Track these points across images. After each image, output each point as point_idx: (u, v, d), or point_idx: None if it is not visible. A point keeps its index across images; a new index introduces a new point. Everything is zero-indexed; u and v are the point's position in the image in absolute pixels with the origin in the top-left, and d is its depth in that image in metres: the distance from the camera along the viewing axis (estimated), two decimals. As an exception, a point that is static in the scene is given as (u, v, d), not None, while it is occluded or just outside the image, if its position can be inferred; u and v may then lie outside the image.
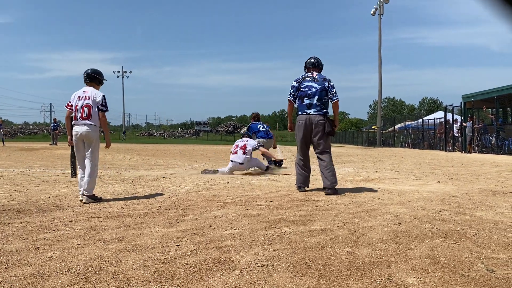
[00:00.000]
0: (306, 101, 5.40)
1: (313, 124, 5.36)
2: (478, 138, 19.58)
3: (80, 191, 4.71)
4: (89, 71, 5.04)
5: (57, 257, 2.53)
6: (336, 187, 5.23)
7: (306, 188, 5.49)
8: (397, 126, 34.98)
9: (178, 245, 2.78)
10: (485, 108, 19.62)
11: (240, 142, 8.15)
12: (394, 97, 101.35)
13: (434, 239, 2.95)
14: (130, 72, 71.86)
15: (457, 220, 3.57)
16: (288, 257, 2.53)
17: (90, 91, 4.91)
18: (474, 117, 20.33)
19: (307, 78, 5.47)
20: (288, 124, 5.80)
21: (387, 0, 35.44)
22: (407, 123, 32.53)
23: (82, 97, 4.87)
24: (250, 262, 2.42)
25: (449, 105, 23.05)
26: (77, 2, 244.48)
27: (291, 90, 5.52)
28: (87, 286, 2.08)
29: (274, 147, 10.06)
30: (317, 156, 5.46)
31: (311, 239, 2.94)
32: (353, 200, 4.65)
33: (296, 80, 5.52)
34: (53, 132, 27.20)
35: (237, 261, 2.44)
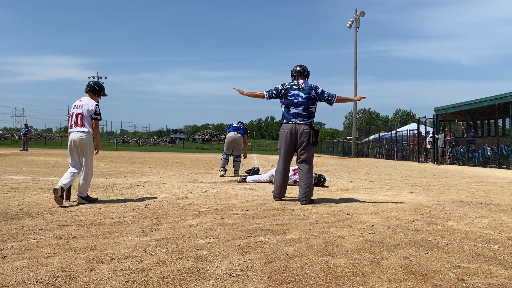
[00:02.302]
0: (292, 109, 5.37)
1: (298, 133, 5.34)
2: (450, 150, 20.09)
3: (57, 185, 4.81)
4: (91, 82, 5.51)
5: (25, 267, 2.45)
6: (311, 197, 5.26)
7: (283, 198, 5.50)
8: (371, 137, 35.59)
9: (151, 255, 2.74)
10: (456, 121, 20.17)
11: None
12: (369, 109, 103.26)
13: (407, 248, 2.99)
14: (106, 78, 70.54)
15: (429, 230, 3.64)
16: (263, 266, 2.52)
17: (85, 100, 5.28)
18: (446, 129, 20.86)
19: (294, 87, 5.44)
20: (242, 92, 5.65)
21: (363, 14, 36.20)
22: (381, 134, 33.13)
23: (77, 106, 5.26)
24: (225, 272, 2.40)
25: (422, 117, 23.63)
26: (50, 5, 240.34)
27: (273, 90, 5.50)
28: (56, 296, 2.02)
29: (244, 156, 10.01)
30: (297, 166, 5.47)
31: (287, 249, 2.93)
32: (328, 210, 4.68)
33: (282, 85, 5.49)
34: (23, 137, 26.47)
35: (212, 271, 2.42)
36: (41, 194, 5.69)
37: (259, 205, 4.95)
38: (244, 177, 8.18)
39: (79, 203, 4.93)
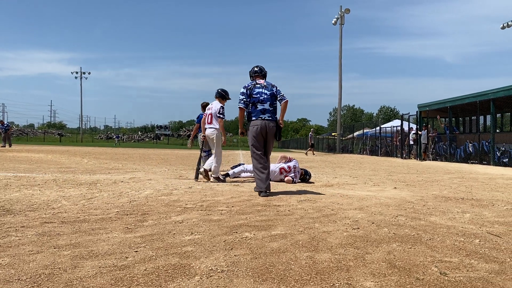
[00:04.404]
0: (259, 106, 5.71)
1: (268, 130, 5.68)
2: (432, 146, 20.37)
3: (201, 172, 7.16)
4: (219, 89, 7.32)
5: (6, 264, 2.41)
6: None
7: (268, 192, 5.54)
8: (356, 133, 35.85)
9: (136, 251, 2.72)
10: (439, 117, 20.44)
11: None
12: (353, 105, 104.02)
13: (391, 243, 3.03)
14: (89, 73, 69.75)
15: (413, 225, 3.68)
16: (249, 262, 2.52)
17: (214, 104, 7.26)
18: (429, 125, 21.13)
19: (257, 85, 5.81)
20: (240, 130, 6.03)
21: (348, 11, 36.38)
22: (365, 130, 33.39)
23: (209, 108, 7.29)
24: (210, 268, 2.39)
25: (405, 114, 23.87)
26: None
27: (243, 97, 5.76)
28: (39, 294, 1.99)
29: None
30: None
31: (272, 244, 2.94)
32: (313, 205, 4.70)
33: (246, 87, 5.78)
34: (4, 134, 25.97)
35: (197, 267, 2.41)
36: (23, 190, 5.59)
37: (245, 201, 4.95)
38: (224, 175, 7.88)
39: (212, 182, 6.98)
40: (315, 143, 31.84)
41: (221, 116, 7.02)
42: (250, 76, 6.06)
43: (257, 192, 5.60)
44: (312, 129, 39.84)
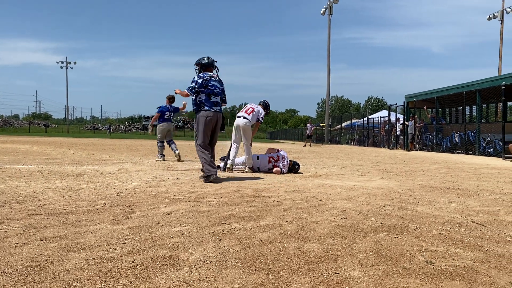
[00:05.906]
0: (213, 98, 6.06)
1: (218, 121, 6.12)
2: (419, 136, 20.57)
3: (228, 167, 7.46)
4: (266, 101, 8.12)
5: (-8, 257, 2.38)
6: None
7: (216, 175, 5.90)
8: (343, 124, 36.06)
9: (124, 243, 2.70)
10: (426, 108, 20.62)
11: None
12: (342, 96, 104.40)
13: (378, 233, 3.06)
14: (75, 63, 68.76)
15: (400, 215, 3.72)
16: (238, 253, 2.53)
17: (259, 107, 7.84)
18: (416, 116, 21.31)
19: (212, 78, 6.09)
20: (179, 90, 6.24)
21: (336, 1, 36.31)
22: (353, 121, 33.58)
23: (253, 104, 7.84)
24: (199, 259, 2.39)
25: (393, 105, 24.01)
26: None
27: (196, 86, 5.97)
28: (25, 287, 1.97)
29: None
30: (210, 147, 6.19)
31: (261, 235, 2.95)
32: (301, 196, 4.72)
33: (203, 78, 6.00)
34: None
35: (186, 258, 2.41)
36: (8, 182, 5.51)
37: (234, 192, 4.95)
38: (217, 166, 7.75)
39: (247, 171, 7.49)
40: (312, 135, 32.10)
41: (261, 120, 7.80)
42: (201, 66, 6.18)
43: (208, 176, 5.78)
44: (309, 120, 40.08)
